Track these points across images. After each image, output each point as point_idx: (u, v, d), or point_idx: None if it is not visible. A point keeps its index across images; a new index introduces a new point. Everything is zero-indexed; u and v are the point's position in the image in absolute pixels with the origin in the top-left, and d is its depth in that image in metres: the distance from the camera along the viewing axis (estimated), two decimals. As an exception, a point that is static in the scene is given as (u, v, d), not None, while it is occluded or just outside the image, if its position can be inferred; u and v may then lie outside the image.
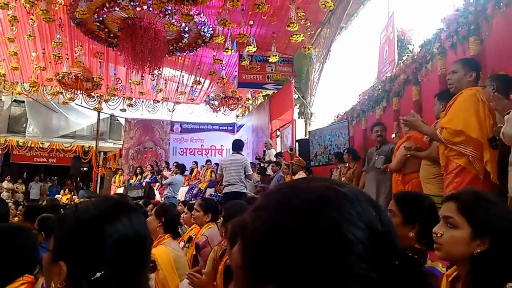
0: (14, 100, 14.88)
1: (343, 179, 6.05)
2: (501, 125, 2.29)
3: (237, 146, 6.55)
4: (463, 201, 1.36)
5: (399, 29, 7.73)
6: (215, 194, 7.76)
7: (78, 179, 17.15)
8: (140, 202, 6.05)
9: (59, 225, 0.95)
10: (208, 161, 10.62)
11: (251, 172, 6.58)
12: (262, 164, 8.68)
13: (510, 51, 3.95)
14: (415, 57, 5.91)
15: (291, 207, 0.51)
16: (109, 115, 15.23)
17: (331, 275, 0.47)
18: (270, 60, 8.76)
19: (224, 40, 7.86)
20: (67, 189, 14.29)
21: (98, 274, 0.83)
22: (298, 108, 9.96)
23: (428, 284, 0.51)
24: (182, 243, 3.55)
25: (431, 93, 4.65)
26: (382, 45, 7.59)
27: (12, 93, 12.68)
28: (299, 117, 9.95)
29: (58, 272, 0.86)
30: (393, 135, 5.72)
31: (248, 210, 0.57)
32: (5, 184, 14.59)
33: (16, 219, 5.88)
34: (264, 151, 9.24)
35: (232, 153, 6.51)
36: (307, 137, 8.81)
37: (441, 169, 3.07)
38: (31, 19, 8.10)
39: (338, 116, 8.75)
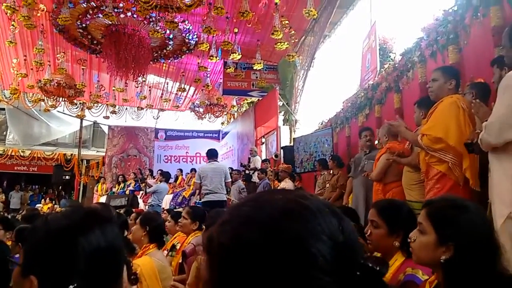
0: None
1: (327, 185, 6.09)
2: (479, 131, 2.34)
3: (214, 154, 6.60)
4: (432, 207, 1.39)
5: (381, 38, 7.89)
6: (200, 202, 7.71)
7: (60, 187, 16.81)
8: (122, 211, 5.96)
9: (29, 237, 0.92)
10: (193, 169, 10.56)
11: (230, 180, 6.61)
12: (247, 171, 8.67)
13: (487, 60, 4.05)
14: (397, 65, 6.02)
15: (254, 221, 0.52)
16: (92, 123, 15.02)
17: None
18: (255, 68, 8.81)
19: (208, 47, 7.87)
20: (48, 198, 13.98)
21: (71, 287, 0.81)
22: (283, 115, 10.02)
23: None
24: (165, 251, 3.51)
25: (412, 101, 4.73)
26: (365, 53, 7.71)
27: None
28: (283, 124, 10.02)
29: (29, 286, 0.83)
30: (376, 142, 5.79)
31: (215, 225, 0.57)
32: (-16, 193, 14.23)
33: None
34: (249, 158, 9.24)
35: (210, 161, 6.49)
36: (292, 144, 8.86)
37: (421, 176, 3.13)
38: (12, 25, 7.95)
39: (322, 123, 8.83)
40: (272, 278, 0.48)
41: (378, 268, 0.52)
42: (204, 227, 2.45)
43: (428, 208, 1.39)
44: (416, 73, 5.35)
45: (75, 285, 0.81)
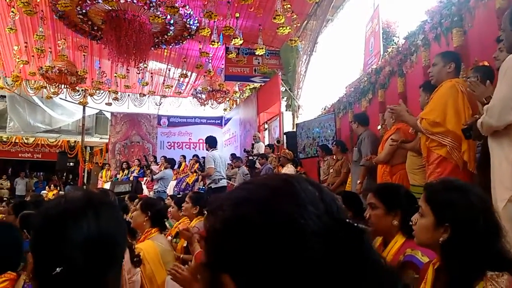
0: (1, 96, 14.56)
1: (331, 171, 6.10)
2: (477, 115, 2.34)
3: (216, 142, 6.80)
4: (429, 190, 1.43)
5: (384, 21, 7.77)
6: (203, 188, 7.75)
7: (64, 174, 16.92)
8: (127, 197, 6.01)
9: (33, 220, 0.98)
10: (195, 155, 10.57)
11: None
12: (250, 157, 8.70)
13: (492, 43, 4.00)
14: (400, 49, 5.95)
15: (248, 201, 0.56)
16: (96, 112, 15.04)
17: (287, 257, 0.51)
18: (257, 53, 8.74)
19: (210, 32, 7.80)
20: (53, 185, 14.09)
21: (57, 269, 0.83)
22: (286, 101, 9.98)
23: (371, 249, 0.55)
24: (170, 237, 3.54)
25: (416, 85, 4.69)
26: (368, 37, 7.62)
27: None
28: (286, 110, 9.98)
29: (29, 263, 0.93)
30: (379, 127, 5.78)
31: (212, 212, 0.61)
32: (-10, 180, 14.36)
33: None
34: (253, 144, 9.25)
35: (214, 149, 6.61)
36: (295, 129, 8.85)
37: (423, 160, 3.13)
38: (12, 11, 7.90)
39: (325, 108, 8.79)
40: (268, 250, 0.51)
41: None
42: (206, 212, 2.47)
43: (427, 191, 1.43)
44: (420, 57, 5.29)
45: (62, 268, 0.83)
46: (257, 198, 0.56)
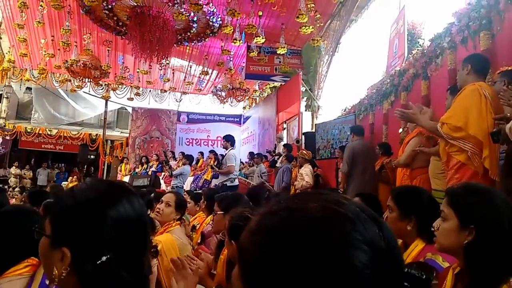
0: (27, 88, 14.97)
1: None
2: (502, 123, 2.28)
3: (235, 141, 6.89)
4: (451, 194, 1.41)
5: (410, 23, 7.65)
6: (227, 185, 7.78)
7: (85, 166, 17.28)
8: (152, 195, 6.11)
9: (56, 208, 0.92)
10: (212, 151, 10.58)
11: None
12: (273, 157, 8.74)
13: (522, 47, 3.90)
14: (425, 51, 5.84)
15: (289, 234, 0.48)
16: (117, 108, 15.30)
17: None
18: (278, 52, 8.71)
19: (232, 30, 7.81)
20: (74, 176, 14.41)
21: (104, 258, 0.82)
22: (305, 101, 9.93)
23: None
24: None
25: (440, 88, 4.60)
26: (392, 39, 7.51)
27: (21, 79, 12.75)
28: (306, 110, 9.93)
29: (60, 258, 0.84)
30: (400, 130, 5.69)
31: (244, 232, 0.54)
32: (13, 170, 14.76)
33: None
34: (275, 145, 9.31)
35: (233, 148, 6.72)
36: (314, 130, 8.79)
37: (442, 166, 3.06)
38: (41, 5, 8.11)
39: (345, 109, 8.70)
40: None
41: (424, 276, 0.50)
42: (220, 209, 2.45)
43: (449, 195, 1.41)
44: (445, 60, 5.18)
45: (108, 256, 0.82)
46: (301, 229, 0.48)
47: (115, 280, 0.83)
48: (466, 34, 4.76)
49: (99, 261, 0.81)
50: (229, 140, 6.74)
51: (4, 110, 14.41)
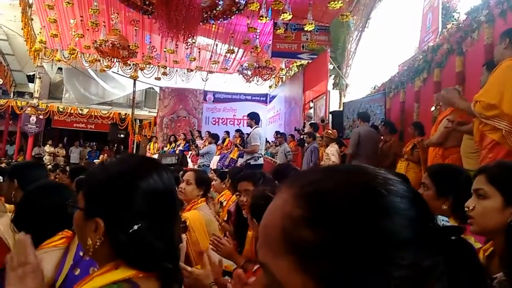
0: (58, 68, 15.36)
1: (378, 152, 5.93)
2: None
3: (260, 119, 6.78)
4: (491, 171, 1.35)
5: (445, -5, 7.27)
6: (253, 163, 7.81)
7: (116, 145, 17.73)
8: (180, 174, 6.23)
9: (89, 182, 0.96)
10: (238, 130, 10.56)
11: None
12: (301, 136, 8.66)
13: None
14: (461, 25, 5.56)
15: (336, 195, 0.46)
16: (145, 87, 15.50)
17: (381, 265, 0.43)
18: (305, 29, 8.53)
19: (259, 7, 7.68)
20: (105, 155, 14.82)
21: (135, 227, 0.86)
22: (333, 79, 9.74)
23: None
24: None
25: (476, 64, 4.39)
26: (425, 13, 7.19)
27: (53, 60, 13.07)
28: (333, 88, 9.74)
29: (94, 229, 0.88)
30: (433, 108, 5.49)
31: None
32: (47, 148, 15.30)
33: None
34: (304, 123, 9.23)
35: (258, 126, 6.61)
36: (341, 109, 8.63)
37: (475, 145, 2.96)
38: (70, -14, 8.22)
39: (374, 87, 8.48)
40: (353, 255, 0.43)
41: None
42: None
43: (486, 173, 1.35)
44: (482, 34, 4.92)
45: (140, 225, 0.86)
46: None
47: (147, 248, 0.87)
48: (506, 6, 4.50)
49: (131, 230, 0.85)
50: (253, 118, 6.64)
51: (37, 90, 14.85)
